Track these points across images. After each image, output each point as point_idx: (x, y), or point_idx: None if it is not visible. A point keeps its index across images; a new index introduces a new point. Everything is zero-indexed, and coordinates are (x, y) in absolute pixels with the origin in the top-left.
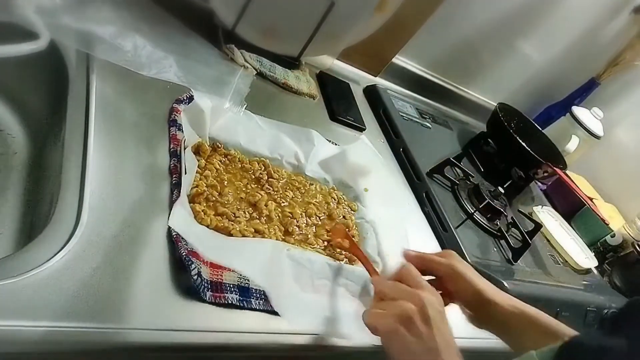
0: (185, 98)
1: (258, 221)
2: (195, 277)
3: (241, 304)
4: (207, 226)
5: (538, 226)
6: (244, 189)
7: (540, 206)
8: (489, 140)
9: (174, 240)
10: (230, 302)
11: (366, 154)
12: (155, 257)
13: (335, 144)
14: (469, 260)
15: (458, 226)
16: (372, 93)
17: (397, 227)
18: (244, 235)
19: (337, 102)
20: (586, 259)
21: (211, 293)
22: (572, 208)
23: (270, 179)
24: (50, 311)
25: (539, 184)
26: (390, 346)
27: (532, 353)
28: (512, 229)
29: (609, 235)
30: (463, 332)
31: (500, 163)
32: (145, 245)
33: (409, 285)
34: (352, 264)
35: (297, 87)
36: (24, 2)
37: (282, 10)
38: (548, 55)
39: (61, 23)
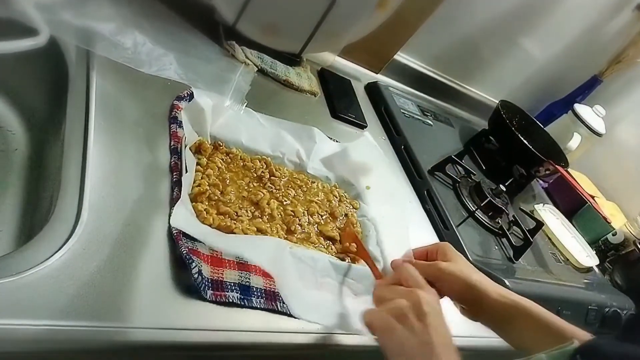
0: (185, 95)
1: (260, 220)
2: (196, 275)
3: (242, 303)
4: (210, 225)
5: (539, 224)
6: (245, 188)
7: (541, 204)
8: (491, 137)
9: (174, 238)
10: (231, 300)
11: (368, 152)
12: (156, 255)
13: (337, 142)
14: (470, 259)
15: (459, 224)
16: (373, 90)
17: (399, 224)
18: (246, 235)
19: (338, 99)
20: (587, 257)
21: (212, 291)
22: (574, 206)
23: (272, 177)
24: (50, 310)
25: (541, 181)
26: (385, 342)
27: (542, 356)
28: (514, 227)
29: (610, 234)
30: (461, 331)
31: (501, 161)
32: (145, 243)
33: (408, 286)
34: (356, 263)
35: (299, 84)
36: None
37: (283, 7)
38: (550, 52)
39: (61, 19)
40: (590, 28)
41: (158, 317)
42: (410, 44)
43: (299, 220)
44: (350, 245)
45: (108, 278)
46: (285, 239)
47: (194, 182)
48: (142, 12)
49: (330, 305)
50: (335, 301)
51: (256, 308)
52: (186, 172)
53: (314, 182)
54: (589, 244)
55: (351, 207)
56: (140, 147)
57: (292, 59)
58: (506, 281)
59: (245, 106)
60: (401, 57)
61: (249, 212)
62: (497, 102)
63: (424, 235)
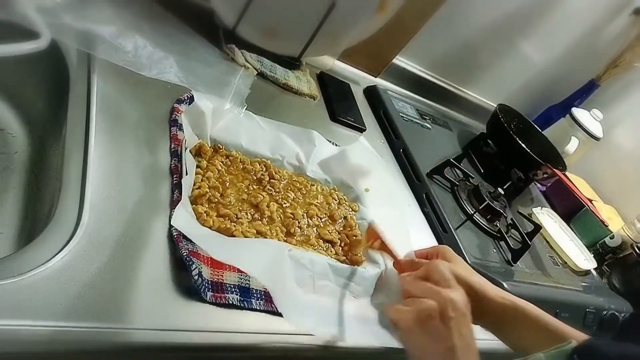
0: (186, 98)
1: (260, 222)
2: (196, 277)
3: (242, 304)
4: (210, 227)
5: (537, 227)
6: (245, 190)
7: (539, 207)
8: (489, 141)
9: (174, 240)
10: (230, 302)
11: (366, 155)
12: (156, 257)
13: (336, 145)
14: (469, 262)
15: (458, 227)
16: (372, 94)
17: (398, 227)
18: (246, 237)
19: (337, 102)
20: (585, 261)
21: (212, 293)
22: (572, 209)
23: (271, 180)
24: (50, 311)
25: (539, 185)
26: (408, 343)
27: (541, 356)
28: (512, 230)
29: (608, 237)
30: None
31: (500, 164)
32: (146, 245)
33: (436, 283)
34: (354, 266)
35: (298, 87)
36: (25, 1)
37: (283, 11)
38: (548, 56)
39: (62, 22)
40: (587, 32)
41: (158, 319)
42: (409, 48)
43: (299, 222)
44: (373, 243)
45: (108, 279)
46: (285, 241)
47: (194, 185)
48: (143, 15)
49: (324, 310)
50: (329, 306)
51: (256, 310)
52: (186, 174)
53: (313, 185)
54: (586, 247)
55: (350, 209)
56: (141, 150)
57: (292, 63)
58: (504, 284)
59: (245, 109)
60: (400, 60)
61: (248, 214)
62: (495, 105)
63: (423, 238)
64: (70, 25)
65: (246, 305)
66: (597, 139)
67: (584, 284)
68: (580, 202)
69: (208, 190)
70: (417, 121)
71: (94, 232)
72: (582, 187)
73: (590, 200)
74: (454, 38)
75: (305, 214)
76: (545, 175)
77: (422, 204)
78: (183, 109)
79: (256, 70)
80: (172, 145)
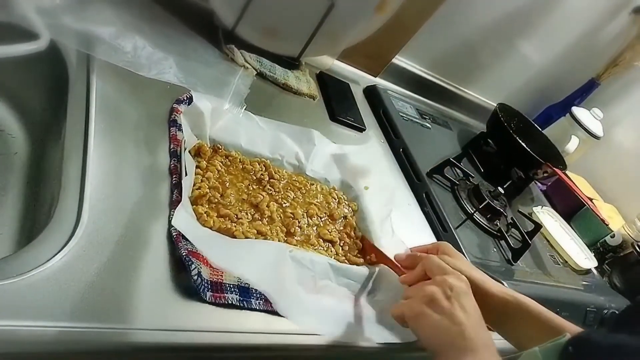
0: (185, 98)
1: (260, 222)
2: (195, 277)
3: (241, 304)
4: (210, 228)
5: (538, 226)
6: (245, 190)
7: (540, 206)
8: (489, 140)
9: (174, 240)
10: (230, 302)
11: (366, 155)
12: (156, 257)
13: (336, 144)
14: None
15: (458, 226)
16: (372, 93)
17: (396, 225)
18: (246, 237)
19: (337, 102)
20: (586, 260)
21: (211, 293)
22: (572, 208)
23: (271, 180)
24: (50, 311)
25: (539, 184)
26: (419, 328)
27: (535, 350)
28: (512, 229)
29: (608, 236)
30: None
31: (500, 163)
32: (145, 245)
33: (434, 274)
34: (354, 265)
35: (297, 87)
36: (24, 2)
37: (282, 11)
38: (548, 55)
39: (61, 23)
40: (587, 31)
41: (158, 319)
42: (409, 48)
43: (299, 222)
44: (371, 256)
45: (108, 280)
46: (285, 241)
47: (194, 185)
48: (142, 16)
49: (326, 310)
50: (331, 306)
51: (256, 309)
52: (186, 175)
53: (313, 184)
54: (587, 246)
55: (350, 209)
56: (140, 150)
57: (291, 63)
58: (505, 283)
59: (245, 109)
60: (400, 60)
61: (248, 214)
62: (495, 105)
63: (423, 237)
64: (69, 26)
65: (246, 305)
66: (597, 137)
67: (584, 283)
68: (581, 201)
69: (208, 191)
70: (417, 121)
71: (93, 232)
72: (583, 186)
73: (591, 199)
74: (454, 38)
75: (305, 214)
76: (545, 175)
77: (422, 203)
78: (182, 110)
79: (256, 70)
80: (172, 146)
